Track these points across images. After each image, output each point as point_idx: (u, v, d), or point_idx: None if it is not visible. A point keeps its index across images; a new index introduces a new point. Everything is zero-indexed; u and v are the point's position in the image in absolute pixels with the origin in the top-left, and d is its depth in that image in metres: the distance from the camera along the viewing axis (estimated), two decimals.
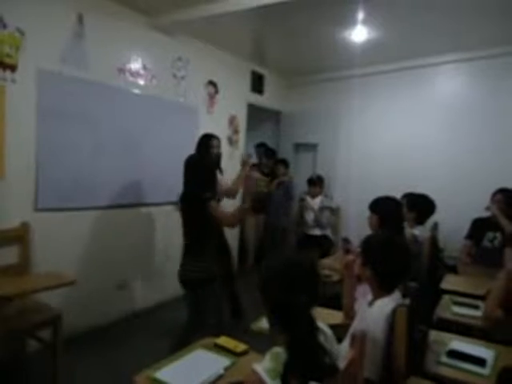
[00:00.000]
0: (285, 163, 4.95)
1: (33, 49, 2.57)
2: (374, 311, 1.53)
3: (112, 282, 3.28)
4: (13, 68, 2.49)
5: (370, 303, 1.61)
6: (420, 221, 3.11)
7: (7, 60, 2.46)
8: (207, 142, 3.23)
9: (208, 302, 2.32)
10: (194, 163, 2.38)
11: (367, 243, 1.69)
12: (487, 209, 3.18)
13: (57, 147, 2.77)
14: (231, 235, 4.72)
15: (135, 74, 3.33)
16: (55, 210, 2.81)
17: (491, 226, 3.15)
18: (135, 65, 3.32)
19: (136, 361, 2.22)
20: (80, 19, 2.85)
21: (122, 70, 3.21)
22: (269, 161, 5.07)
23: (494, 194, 3.20)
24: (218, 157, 3.29)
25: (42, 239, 2.71)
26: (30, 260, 2.61)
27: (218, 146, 3.28)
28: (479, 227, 3.24)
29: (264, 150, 5.17)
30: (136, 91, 3.35)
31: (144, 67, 3.40)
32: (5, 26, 2.43)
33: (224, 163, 4.42)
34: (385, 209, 2.33)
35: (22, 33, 2.51)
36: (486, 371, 1.54)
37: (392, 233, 1.81)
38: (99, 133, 3.05)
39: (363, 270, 1.63)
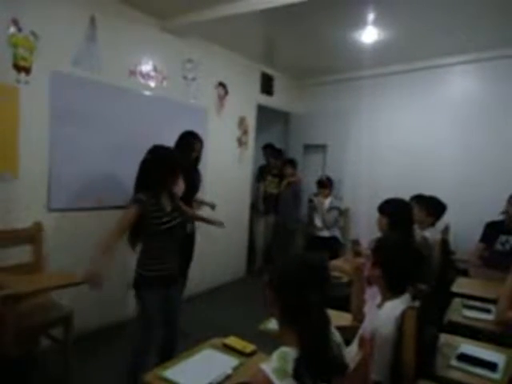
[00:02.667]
0: (292, 163, 4.94)
1: (46, 51, 2.62)
2: (383, 313, 1.53)
3: (123, 282, 3.30)
4: (27, 70, 2.54)
5: (379, 305, 1.60)
6: (431, 223, 3.08)
7: (22, 63, 2.51)
8: (192, 142, 3.15)
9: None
10: (156, 157, 2.13)
11: (378, 245, 1.69)
12: (503, 213, 3.10)
13: (69, 148, 2.81)
14: (240, 236, 4.76)
15: (146, 76, 3.36)
16: (68, 210, 2.85)
17: (504, 230, 3.11)
18: (146, 67, 3.35)
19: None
20: (92, 22, 2.89)
21: (133, 72, 3.25)
22: (276, 161, 5.07)
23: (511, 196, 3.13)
24: (197, 160, 3.26)
25: (54, 239, 2.76)
26: (43, 259, 2.65)
27: (199, 151, 3.23)
28: (492, 230, 3.20)
29: (271, 150, 5.18)
30: (147, 93, 3.38)
31: (155, 69, 3.43)
32: (20, 30, 2.48)
33: (233, 165, 4.49)
34: (394, 211, 2.31)
35: (36, 36, 2.56)
36: (497, 376, 1.52)
37: (402, 235, 1.81)
38: (110, 134, 3.09)
39: (373, 272, 1.63)
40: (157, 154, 2.16)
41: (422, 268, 1.69)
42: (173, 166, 2.16)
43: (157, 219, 2.07)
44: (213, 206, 3.53)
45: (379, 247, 1.68)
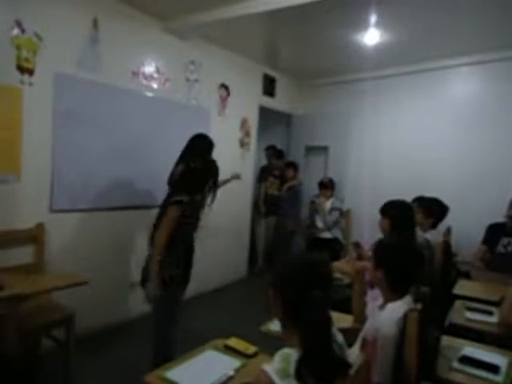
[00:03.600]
0: (294, 166, 4.93)
1: (50, 53, 2.63)
2: (385, 315, 1.53)
3: (125, 282, 3.32)
4: (30, 72, 2.55)
5: (381, 307, 1.60)
6: (432, 225, 3.08)
7: (25, 64, 2.52)
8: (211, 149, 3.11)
9: None
10: (209, 168, 2.32)
11: (379, 246, 1.69)
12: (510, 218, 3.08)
13: (71, 149, 2.82)
14: (241, 237, 4.76)
15: (149, 78, 3.37)
16: (70, 211, 2.86)
17: (506, 232, 3.10)
18: (149, 68, 3.37)
19: (148, 360, 2.26)
20: (95, 23, 2.90)
21: (135, 74, 3.26)
22: (278, 161, 5.06)
23: None
24: None
25: (56, 239, 2.77)
26: (45, 260, 2.66)
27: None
28: (494, 232, 3.19)
29: (273, 151, 5.18)
30: (149, 94, 3.39)
31: (157, 70, 3.44)
32: (23, 31, 2.49)
33: (235, 166, 4.49)
34: (396, 212, 2.31)
35: (39, 37, 2.57)
36: (499, 378, 1.52)
37: (403, 237, 1.81)
38: (113, 135, 3.10)
39: (375, 273, 1.63)
40: (210, 164, 2.34)
41: (424, 269, 1.68)
42: (217, 177, 2.37)
43: (190, 219, 2.22)
44: (238, 176, 3.51)
45: (380, 249, 1.68)
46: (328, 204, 4.49)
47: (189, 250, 2.39)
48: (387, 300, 1.59)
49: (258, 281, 4.65)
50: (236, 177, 3.51)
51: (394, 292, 1.58)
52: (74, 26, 2.78)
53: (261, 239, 5.11)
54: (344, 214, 4.67)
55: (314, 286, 1.07)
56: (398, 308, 1.51)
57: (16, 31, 2.46)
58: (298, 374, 0.98)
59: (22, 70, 2.51)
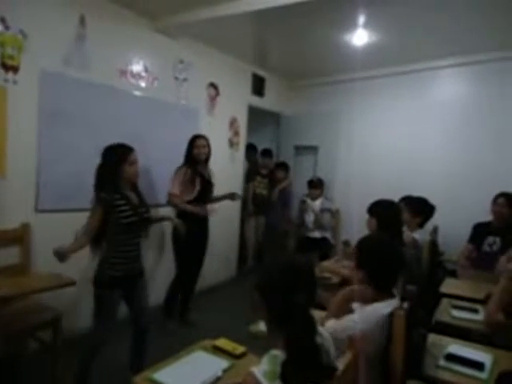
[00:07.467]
0: (285, 167, 4.92)
1: (35, 50, 2.59)
2: (372, 313, 1.53)
3: None
4: (15, 69, 2.51)
5: (364, 306, 1.61)
6: (419, 224, 3.12)
7: (9, 61, 2.48)
8: (191, 141, 3.27)
9: None
10: (102, 157, 2.26)
11: (359, 246, 1.71)
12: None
13: (58, 148, 2.78)
14: (231, 236, 4.76)
15: (137, 76, 3.34)
16: (56, 211, 2.81)
17: (492, 231, 3.15)
18: (137, 67, 3.33)
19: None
20: (82, 21, 2.86)
21: (123, 72, 3.22)
22: (265, 159, 5.01)
23: (496, 197, 3.19)
24: (203, 157, 3.32)
25: (42, 240, 2.72)
26: (31, 261, 2.62)
27: (205, 146, 3.31)
28: (480, 232, 3.24)
29: (262, 150, 5.14)
30: (137, 93, 3.36)
31: (145, 69, 3.41)
32: (7, 28, 2.44)
33: (225, 165, 4.48)
34: (382, 212, 2.34)
35: (24, 34, 2.52)
36: (483, 375, 1.54)
37: (390, 236, 1.82)
38: (100, 134, 3.05)
39: (357, 273, 1.64)
40: (102, 154, 2.28)
41: (408, 267, 1.70)
42: (114, 156, 2.24)
43: (124, 212, 2.15)
44: (232, 196, 3.58)
45: (358, 249, 1.69)
46: (318, 203, 4.51)
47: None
48: (372, 299, 1.59)
49: (248, 280, 4.64)
50: (230, 196, 3.56)
51: (378, 291, 1.59)
52: (60, 24, 2.73)
53: (250, 239, 5.10)
54: (334, 214, 4.70)
55: (296, 290, 1.07)
56: (384, 307, 1.52)
57: (0, 28, 2.41)
58: (284, 376, 0.98)
59: (6, 67, 2.46)
